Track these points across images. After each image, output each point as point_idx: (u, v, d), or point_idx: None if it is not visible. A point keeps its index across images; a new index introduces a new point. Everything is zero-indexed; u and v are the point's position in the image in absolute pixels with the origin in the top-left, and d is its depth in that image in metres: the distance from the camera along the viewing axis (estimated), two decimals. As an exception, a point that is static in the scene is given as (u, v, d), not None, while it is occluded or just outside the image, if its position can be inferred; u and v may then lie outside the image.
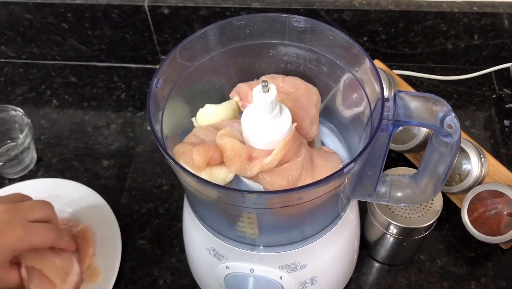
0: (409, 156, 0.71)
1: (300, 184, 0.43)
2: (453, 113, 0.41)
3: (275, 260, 0.48)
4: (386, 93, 0.68)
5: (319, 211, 0.45)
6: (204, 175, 0.43)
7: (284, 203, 0.39)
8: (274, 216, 0.43)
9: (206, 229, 0.49)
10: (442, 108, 0.41)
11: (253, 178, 0.42)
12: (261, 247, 0.47)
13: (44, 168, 0.75)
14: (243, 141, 0.44)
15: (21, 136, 0.71)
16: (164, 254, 0.66)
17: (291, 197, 0.39)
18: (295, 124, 0.43)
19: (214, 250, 0.50)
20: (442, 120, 0.41)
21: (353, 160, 0.38)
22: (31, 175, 0.75)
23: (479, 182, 0.63)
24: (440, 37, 0.79)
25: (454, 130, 0.41)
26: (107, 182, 0.73)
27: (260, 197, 0.38)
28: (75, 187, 0.70)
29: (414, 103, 0.41)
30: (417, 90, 0.75)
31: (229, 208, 0.42)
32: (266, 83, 0.41)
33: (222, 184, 0.44)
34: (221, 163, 0.44)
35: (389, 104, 0.41)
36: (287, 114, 0.44)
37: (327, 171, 0.44)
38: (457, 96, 0.80)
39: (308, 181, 0.43)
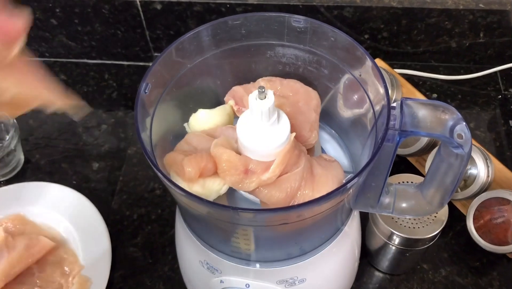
0: (411, 160, 0.68)
1: (299, 195, 0.40)
2: (464, 122, 0.38)
3: (272, 275, 0.45)
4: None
5: (319, 226, 0.42)
6: (196, 187, 0.40)
7: (282, 221, 0.37)
8: (272, 232, 0.40)
9: (198, 242, 0.46)
10: (451, 116, 0.38)
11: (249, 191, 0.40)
12: (258, 262, 0.44)
13: (32, 170, 0.73)
14: (238, 150, 0.41)
15: (7, 137, 0.68)
16: (156, 262, 0.63)
17: (290, 215, 0.36)
18: (293, 134, 0.40)
19: (207, 263, 0.47)
20: (451, 129, 0.38)
21: (357, 174, 0.36)
22: (18, 177, 0.72)
23: (485, 188, 0.60)
24: (444, 35, 0.76)
25: (465, 141, 0.38)
26: (97, 185, 0.70)
27: (257, 215, 0.35)
28: (63, 191, 0.67)
29: (422, 111, 0.38)
30: (419, 90, 0.72)
31: (223, 224, 0.39)
32: (263, 89, 0.38)
33: (216, 195, 0.41)
34: (215, 173, 0.41)
35: (396, 112, 0.38)
36: (285, 121, 0.41)
37: (327, 181, 0.42)
38: (461, 97, 0.77)
39: (308, 192, 0.41)
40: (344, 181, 0.35)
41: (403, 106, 0.38)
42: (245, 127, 0.41)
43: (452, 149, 0.39)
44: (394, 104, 0.39)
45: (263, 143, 0.40)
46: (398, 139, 0.38)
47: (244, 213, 0.34)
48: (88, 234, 0.63)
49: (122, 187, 0.70)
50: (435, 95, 0.77)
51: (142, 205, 0.68)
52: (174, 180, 0.41)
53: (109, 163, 0.72)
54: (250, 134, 0.40)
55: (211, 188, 0.41)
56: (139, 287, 0.61)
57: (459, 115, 0.38)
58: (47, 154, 0.74)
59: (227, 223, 0.38)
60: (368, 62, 0.43)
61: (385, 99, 0.40)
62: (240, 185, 0.39)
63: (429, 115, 0.38)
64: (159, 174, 0.36)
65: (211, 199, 0.41)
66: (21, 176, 0.72)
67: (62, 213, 0.65)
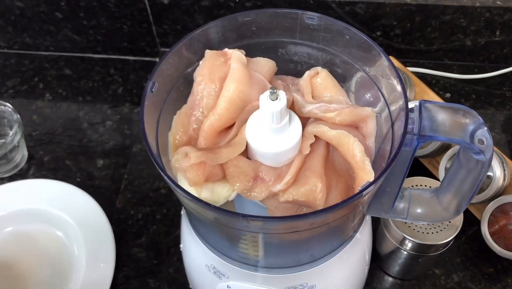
0: (424, 161, 0.66)
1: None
2: (485, 127, 0.36)
3: (281, 281, 0.44)
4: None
5: (331, 232, 0.40)
6: (205, 192, 0.38)
7: (293, 228, 0.35)
8: (282, 240, 0.39)
9: (205, 246, 0.44)
10: (472, 120, 0.37)
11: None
12: (266, 268, 0.42)
13: (36, 166, 0.71)
14: (246, 154, 0.40)
15: (11, 133, 0.67)
16: (161, 263, 0.61)
17: (301, 223, 0.34)
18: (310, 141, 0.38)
19: (214, 267, 0.45)
20: (472, 134, 0.36)
21: (374, 181, 0.34)
22: (22, 174, 0.70)
23: (501, 192, 0.58)
24: (459, 33, 0.74)
25: (486, 147, 0.36)
26: (101, 183, 0.69)
27: (267, 223, 0.34)
28: (66, 189, 0.66)
29: (442, 115, 0.36)
30: (433, 89, 0.70)
31: (231, 230, 0.38)
32: (275, 90, 0.36)
33: (224, 201, 0.40)
34: (223, 178, 0.39)
35: (414, 116, 0.36)
36: (297, 123, 0.39)
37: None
38: (475, 97, 0.75)
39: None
40: (360, 188, 0.33)
41: (421, 110, 0.36)
42: (254, 130, 0.39)
43: (472, 154, 0.37)
44: (412, 106, 0.37)
45: (273, 146, 0.38)
46: (416, 144, 0.36)
47: (254, 221, 0.32)
48: (92, 233, 0.62)
49: (126, 185, 0.68)
50: (448, 94, 0.75)
51: (147, 204, 0.66)
52: (181, 182, 0.39)
53: (113, 160, 0.71)
54: (260, 137, 0.39)
55: (220, 194, 0.39)
56: (143, 289, 0.60)
57: (480, 119, 0.37)
58: (51, 150, 0.73)
59: (235, 229, 0.37)
60: (384, 62, 0.41)
61: (403, 100, 0.38)
62: (248, 194, 0.37)
63: (448, 119, 0.36)
64: (167, 179, 0.35)
65: (219, 204, 0.39)
66: (24, 173, 0.70)
67: (65, 211, 0.64)
